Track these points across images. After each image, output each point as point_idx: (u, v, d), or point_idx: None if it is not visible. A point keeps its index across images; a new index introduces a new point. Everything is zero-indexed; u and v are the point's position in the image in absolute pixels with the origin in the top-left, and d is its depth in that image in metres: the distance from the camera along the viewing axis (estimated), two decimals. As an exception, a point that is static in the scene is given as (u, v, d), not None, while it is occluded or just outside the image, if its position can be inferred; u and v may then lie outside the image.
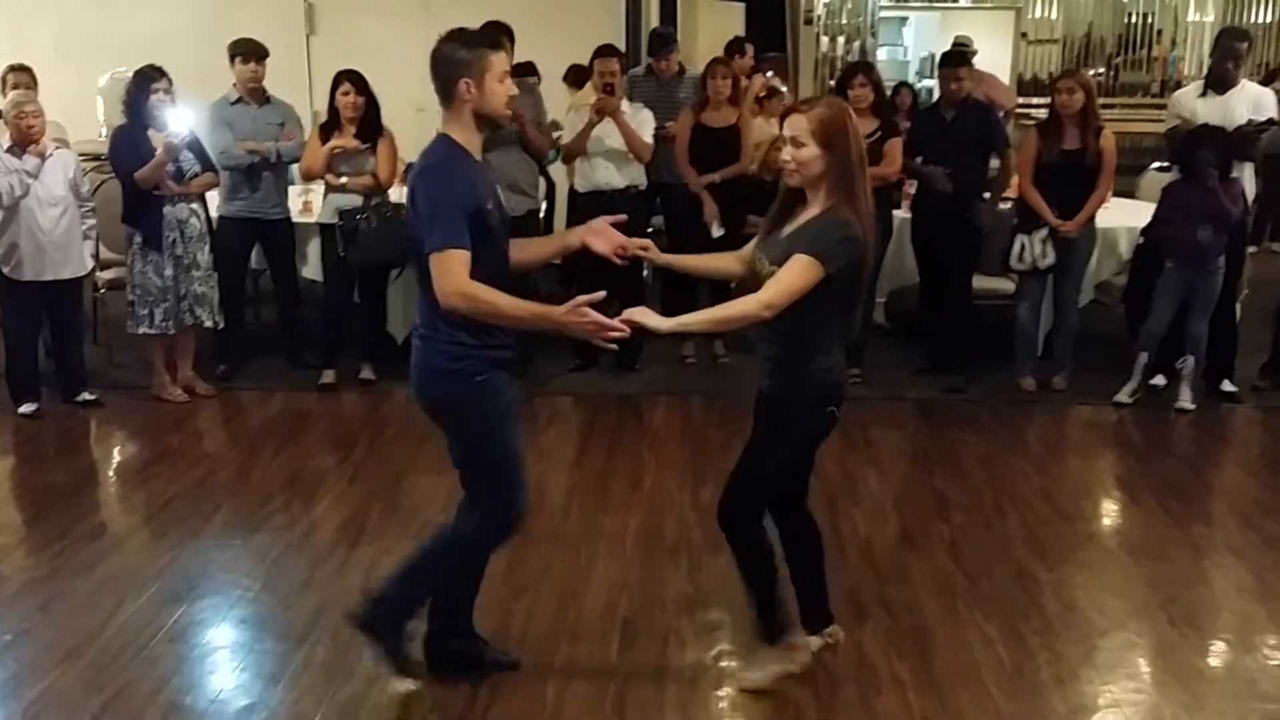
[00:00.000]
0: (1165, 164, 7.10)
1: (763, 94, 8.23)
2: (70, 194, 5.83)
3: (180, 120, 5.84)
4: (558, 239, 3.41)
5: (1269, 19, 14.43)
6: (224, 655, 3.70)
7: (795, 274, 3.05)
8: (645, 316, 3.00)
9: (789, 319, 3.09)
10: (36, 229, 5.70)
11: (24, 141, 5.65)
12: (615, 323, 2.93)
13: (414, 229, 3.05)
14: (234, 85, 6.36)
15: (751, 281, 3.25)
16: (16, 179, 5.60)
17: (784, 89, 7.85)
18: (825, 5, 14.82)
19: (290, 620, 3.87)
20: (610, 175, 6.36)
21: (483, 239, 3.03)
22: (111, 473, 5.58)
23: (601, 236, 3.32)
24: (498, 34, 3.23)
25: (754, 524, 3.38)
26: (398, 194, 6.58)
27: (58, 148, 5.87)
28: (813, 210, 3.18)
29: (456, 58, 3.07)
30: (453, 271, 2.95)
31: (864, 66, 6.78)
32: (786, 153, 3.16)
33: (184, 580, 4.17)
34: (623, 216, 3.41)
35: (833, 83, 13.77)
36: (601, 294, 2.99)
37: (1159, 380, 6.24)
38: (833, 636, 3.63)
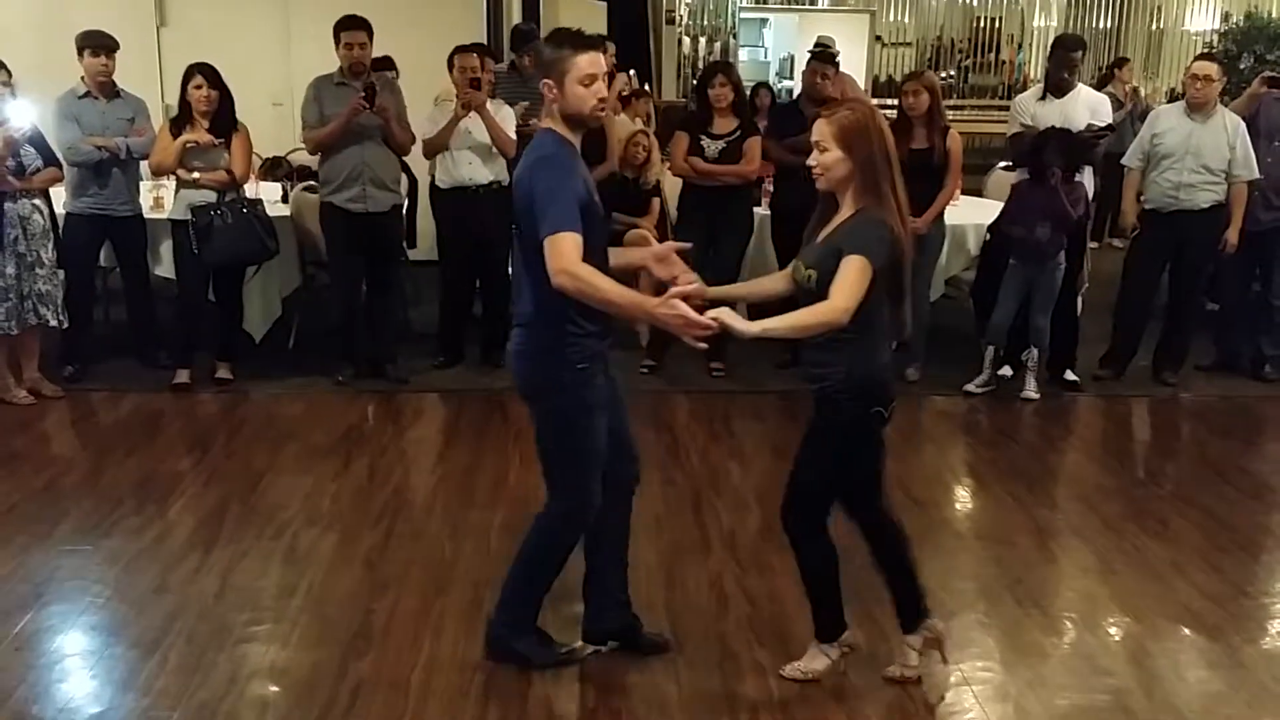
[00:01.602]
0: (1009, 164, 7.37)
1: (625, 92, 8.31)
2: None
3: (21, 114, 5.64)
4: (621, 255, 3.45)
5: (1108, 24, 15.09)
6: (74, 662, 3.58)
7: (854, 273, 3.08)
8: (732, 319, 3.02)
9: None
10: None
11: None
12: (706, 320, 2.97)
13: (524, 217, 3.16)
14: (82, 78, 6.15)
15: (795, 292, 3.31)
16: None
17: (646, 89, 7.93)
18: (687, 6, 14.99)
19: (143, 626, 3.77)
20: (475, 171, 6.33)
21: (588, 231, 3.11)
22: (-49, 479, 5.34)
23: (665, 263, 3.39)
24: (595, 38, 3.21)
25: (806, 526, 3.41)
26: (253, 190, 6.48)
27: None
28: (845, 213, 3.23)
29: (544, 58, 3.20)
30: (566, 253, 3.04)
31: (724, 66, 6.90)
32: (812, 158, 3.23)
33: (30, 587, 4.03)
34: (687, 245, 3.50)
35: (694, 82, 14.00)
36: (694, 286, 3.12)
37: (1005, 371, 6.48)
38: (848, 645, 3.59)
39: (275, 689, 3.43)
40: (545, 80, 3.16)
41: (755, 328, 3.11)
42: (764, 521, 4.72)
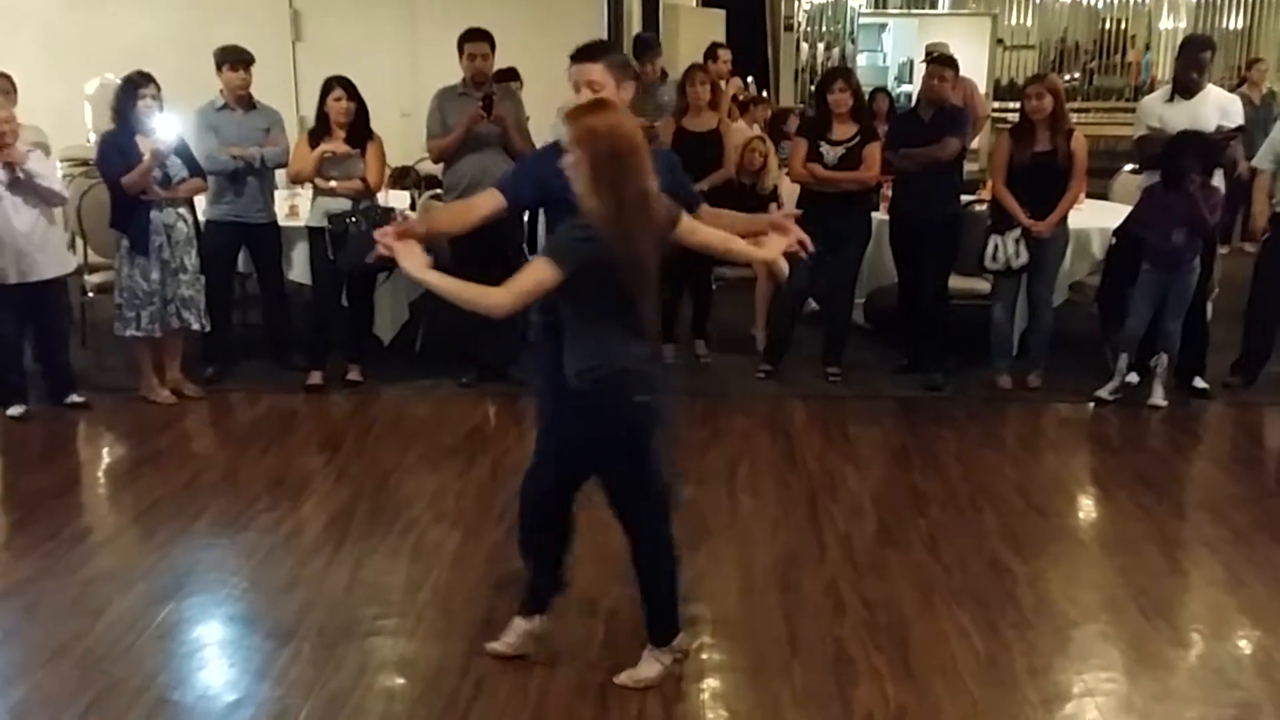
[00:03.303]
0: (1136, 167, 7.21)
1: (742, 98, 8.35)
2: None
3: (167, 126, 5.88)
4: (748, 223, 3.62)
5: (1239, 25, 14.62)
6: (211, 651, 3.73)
7: (528, 271, 3.15)
8: (407, 257, 3.18)
9: (566, 314, 3.22)
10: (14, 232, 5.71)
11: None
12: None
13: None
14: (220, 91, 6.41)
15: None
16: None
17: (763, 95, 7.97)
18: (805, 12, 14.94)
19: (277, 617, 3.91)
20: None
21: None
22: (99, 474, 5.61)
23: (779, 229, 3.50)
24: (579, 50, 3.35)
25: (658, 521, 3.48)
26: (384, 198, 6.67)
27: (29, 150, 5.88)
28: None
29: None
30: None
31: (843, 72, 6.89)
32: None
33: (171, 578, 4.21)
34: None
35: (813, 87, 13.95)
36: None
37: (1133, 378, 6.33)
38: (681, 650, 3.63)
39: (402, 681, 3.54)
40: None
41: (430, 276, 3.18)
42: (880, 527, 4.72)
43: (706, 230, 3.42)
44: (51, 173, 5.92)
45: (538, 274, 3.11)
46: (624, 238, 3.09)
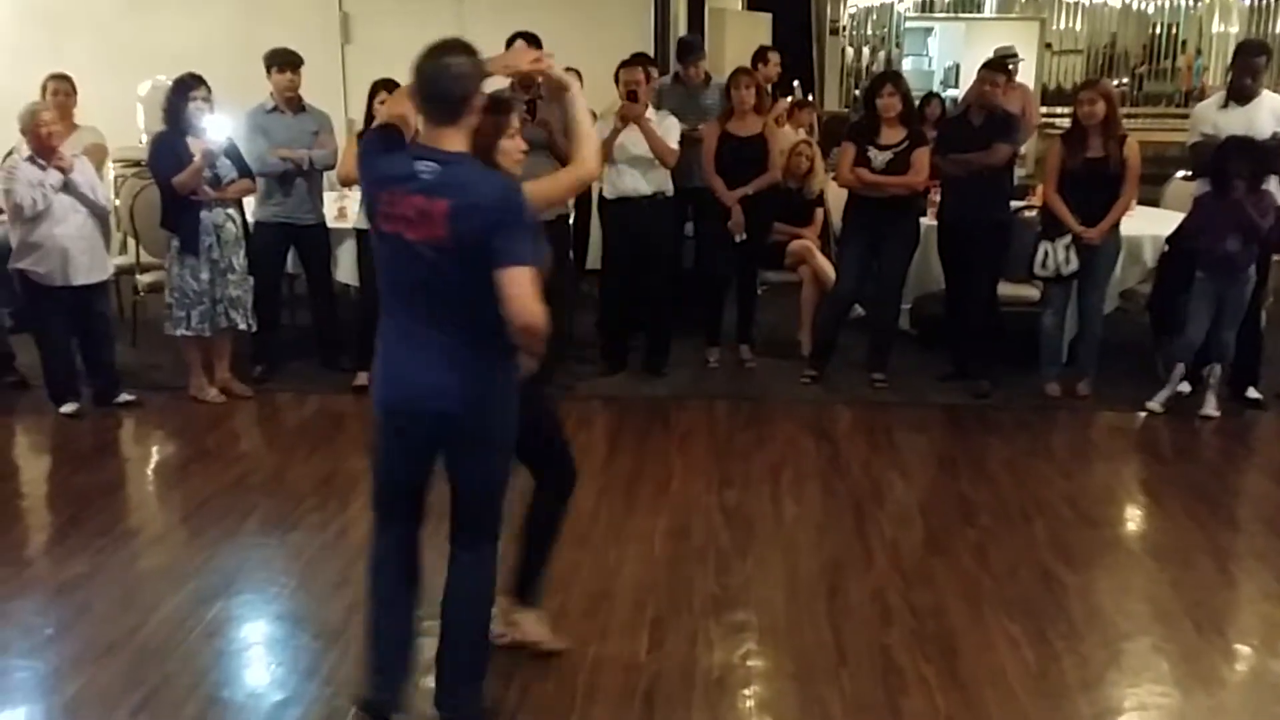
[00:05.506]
0: (1189, 174, 7.12)
1: (788, 105, 8.33)
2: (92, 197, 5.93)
3: (218, 127, 5.96)
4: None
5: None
6: (260, 650, 3.78)
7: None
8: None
9: None
10: (63, 236, 5.80)
11: (44, 150, 5.74)
12: None
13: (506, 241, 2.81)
14: (270, 94, 6.47)
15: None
16: (40, 192, 5.68)
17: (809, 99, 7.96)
18: (851, 15, 14.87)
19: (325, 617, 3.93)
20: (636, 182, 6.42)
21: None
22: (150, 472, 5.67)
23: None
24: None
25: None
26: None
27: (76, 156, 5.95)
28: None
29: (472, 71, 2.92)
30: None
31: (893, 76, 6.85)
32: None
33: (221, 577, 4.25)
34: None
35: (858, 92, 13.89)
36: None
37: (1184, 387, 6.26)
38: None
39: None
40: (478, 95, 2.94)
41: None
42: (928, 535, 4.69)
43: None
44: (94, 182, 5.99)
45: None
46: None
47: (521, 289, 2.76)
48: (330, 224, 6.71)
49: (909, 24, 15.28)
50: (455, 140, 2.92)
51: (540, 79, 3.30)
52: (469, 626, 3.19)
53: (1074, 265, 6.11)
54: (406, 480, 3.17)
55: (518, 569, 3.58)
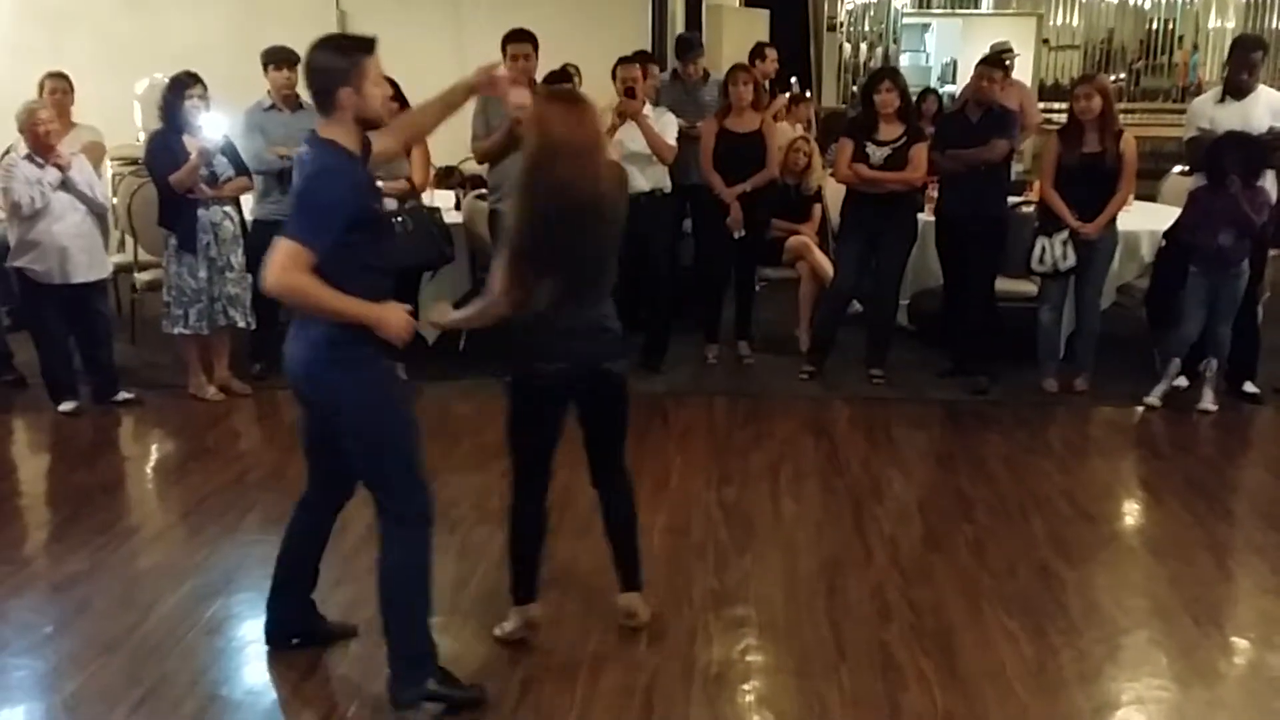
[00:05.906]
0: (1185, 169, 7.13)
1: (785, 101, 8.33)
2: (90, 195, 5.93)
3: (214, 125, 5.95)
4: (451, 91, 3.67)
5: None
6: (259, 648, 3.75)
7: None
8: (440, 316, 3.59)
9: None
10: (61, 233, 5.80)
11: (42, 148, 5.74)
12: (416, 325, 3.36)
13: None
14: (268, 92, 6.47)
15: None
16: (38, 190, 5.69)
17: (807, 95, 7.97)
18: (848, 12, 14.89)
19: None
20: (634, 178, 6.39)
21: (375, 236, 3.34)
22: (148, 470, 5.66)
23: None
24: (371, 39, 3.30)
25: (513, 486, 3.76)
26: (429, 198, 6.70)
27: (74, 154, 5.95)
28: None
29: (336, 65, 3.14)
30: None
31: (890, 72, 6.84)
32: None
33: (220, 575, 4.25)
34: None
35: (855, 88, 13.90)
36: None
37: (1181, 382, 6.27)
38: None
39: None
40: (343, 88, 3.11)
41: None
42: (926, 531, 4.69)
43: None
44: (92, 180, 5.99)
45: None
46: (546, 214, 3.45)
47: (273, 258, 3.06)
48: (328, 221, 6.69)
49: (906, 20, 15.31)
50: (329, 129, 3.17)
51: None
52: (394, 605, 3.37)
53: (1071, 260, 6.12)
54: None
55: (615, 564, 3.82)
